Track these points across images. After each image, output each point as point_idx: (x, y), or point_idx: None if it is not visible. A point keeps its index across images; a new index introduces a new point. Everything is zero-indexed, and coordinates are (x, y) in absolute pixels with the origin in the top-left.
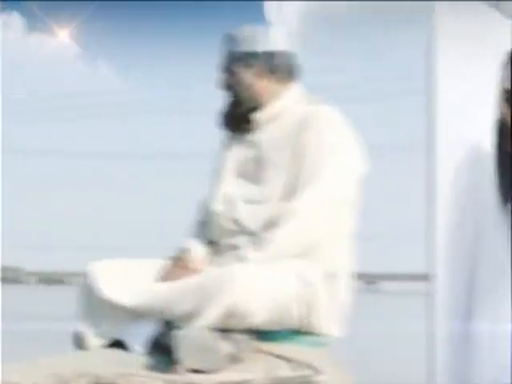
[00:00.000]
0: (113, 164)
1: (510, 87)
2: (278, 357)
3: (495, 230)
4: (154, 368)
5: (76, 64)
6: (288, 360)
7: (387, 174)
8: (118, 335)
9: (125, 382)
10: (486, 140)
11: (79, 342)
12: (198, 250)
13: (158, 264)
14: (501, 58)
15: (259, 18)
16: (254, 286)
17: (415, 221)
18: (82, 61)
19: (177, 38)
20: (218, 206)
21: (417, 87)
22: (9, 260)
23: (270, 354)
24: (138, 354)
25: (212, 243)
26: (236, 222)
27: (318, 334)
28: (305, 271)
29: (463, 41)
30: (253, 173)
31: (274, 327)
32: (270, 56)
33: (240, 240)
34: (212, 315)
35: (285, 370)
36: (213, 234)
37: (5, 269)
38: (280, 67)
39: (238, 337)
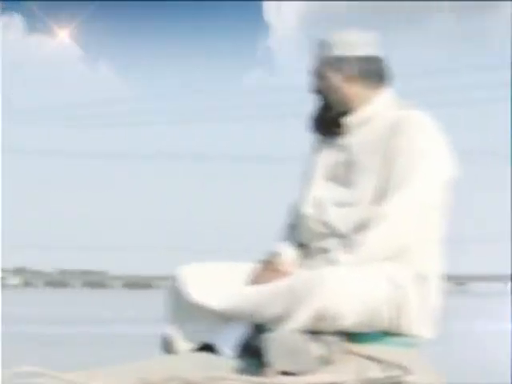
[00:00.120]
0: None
1: None
2: (369, 358)
3: None
4: (243, 371)
5: (76, 64)
6: (378, 361)
7: (476, 178)
8: (207, 339)
9: None
10: None
11: (167, 346)
12: (288, 253)
13: (247, 267)
14: None
15: (258, 18)
16: (344, 289)
17: (502, 224)
18: (82, 61)
19: (176, 38)
20: (308, 209)
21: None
22: (93, 264)
23: (361, 355)
24: (227, 358)
25: (302, 246)
26: (326, 224)
27: (407, 336)
28: (395, 274)
29: None
30: (343, 176)
31: (365, 329)
32: (360, 61)
33: (330, 243)
34: (302, 318)
35: (375, 371)
36: (303, 237)
37: (89, 273)
38: (371, 72)
39: (329, 339)
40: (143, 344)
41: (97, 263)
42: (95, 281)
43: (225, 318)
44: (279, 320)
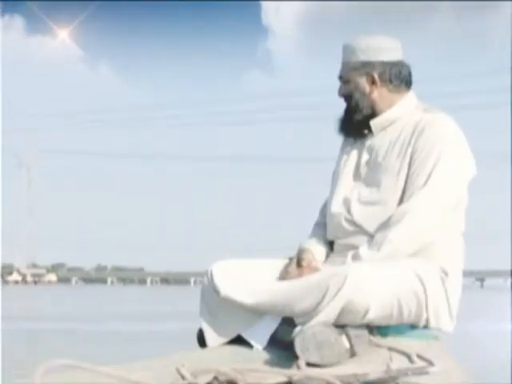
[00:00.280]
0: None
1: None
2: (393, 350)
3: None
4: (274, 363)
5: (76, 64)
6: (403, 353)
7: (495, 180)
8: (239, 332)
9: (246, 378)
10: None
11: (202, 340)
12: (317, 250)
13: (277, 263)
14: None
15: (257, 19)
16: (369, 284)
17: (502, 223)
18: (82, 61)
19: (176, 38)
20: (336, 208)
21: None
22: (130, 261)
23: (385, 347)
24: (258, 351)
25: (330, 243)
26: (353, 222)
27: (431, 328)
28: (419, 269)
29: None
30: (369, 176)
31: (389, 322)
32: (385, 65)
33: (357, 240)
34: (330, 312)
35: (400, 363)
36: (331, 234)
37: (125, 269)
38: (395, 76)
39: (355, 332)
40: (181, 338)
41: (133, 260)
42: (131, 277)
43: (256, 312)
44: (308, 314)
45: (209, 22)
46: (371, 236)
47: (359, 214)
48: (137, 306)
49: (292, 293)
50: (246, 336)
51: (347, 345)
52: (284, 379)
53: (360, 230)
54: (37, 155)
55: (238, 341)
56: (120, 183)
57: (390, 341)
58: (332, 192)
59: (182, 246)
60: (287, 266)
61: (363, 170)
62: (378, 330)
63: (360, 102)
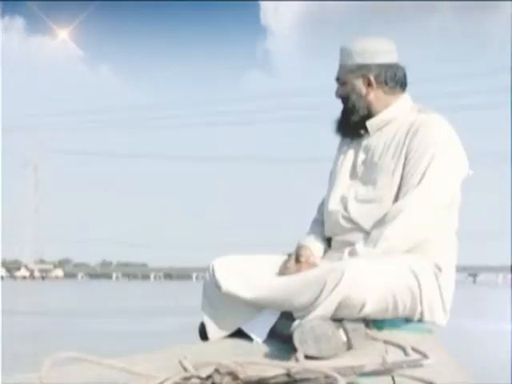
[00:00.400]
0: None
1: None
2: (389, 343)
3: None
4: (273, 356)
5: (76, 64)
6: (398, 346)
7: (495, 180)
8: (239, 326)
9: (246, 370)
10: None
11: (203, 333)
12: (315, 246)
13: (276, 259)
14: None
15: (256, 19)
16: (365, 279)
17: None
18: (82, 61)
19: (176, 38)
20: (334, 206)
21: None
22: (134, 257)
23: (381, 340)
24: (258, 344)
25: (328, 239)
26: (349, 220)
27: (425, 322)
28: (414, 264)
29: None
30: (365, 175)
31: (385, 316)
32: (381, 68)
33: (353, 236)
34: (328, 306)
35: (395, 355)
36: (328, 231)
37: (130, 265)
38: (391, 78)
39: (352, 325)
40: (183, 331)
41: (137, 256)
42: (135, 272)
43: (256, 306)
44: (307, 308)
45: (208, 22)
46: (367, 233)
47: (356, 211)
48: (140, 301)
49: (291, 288)
50: (246, 329)
51: (344, 338)
52: (283, 371)
53: (357, 227)
54: (43, 155)
55: (239, 334)
56: (121, 183)
57: (386, 334)
58: (329, 190)
59: (183, 243)
60: (286, 262)
61: (360, 169)
62: (373, 323)
63: (356, 104)
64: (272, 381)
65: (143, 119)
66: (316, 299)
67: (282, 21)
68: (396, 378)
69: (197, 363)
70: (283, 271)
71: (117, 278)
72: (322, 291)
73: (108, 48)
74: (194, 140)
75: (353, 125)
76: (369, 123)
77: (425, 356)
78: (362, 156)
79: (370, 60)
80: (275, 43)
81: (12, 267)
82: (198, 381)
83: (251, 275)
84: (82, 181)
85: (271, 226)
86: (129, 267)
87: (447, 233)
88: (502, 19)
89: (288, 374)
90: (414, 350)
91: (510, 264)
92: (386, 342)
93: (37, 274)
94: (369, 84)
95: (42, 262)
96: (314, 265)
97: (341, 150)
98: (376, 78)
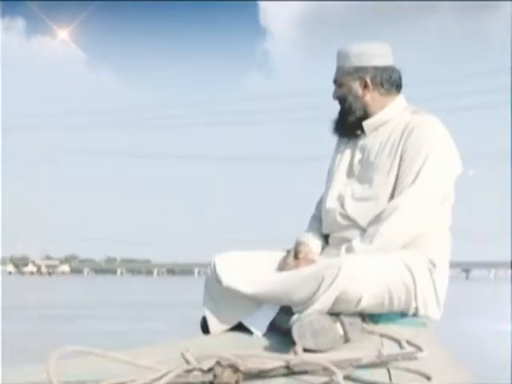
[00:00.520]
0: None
1: None
2: (384, 336)
3: None
4: (273, 349)
5: (76, 64)
6: (393, 339)
7: (495, 180)
8: (239, 320)
9: (247, 363)
10: None
11: (205, 327)
12: (313, 243)
13: (275, 255)
14: None
15: (255, 19)
16: (362, 274)
17: (504, 217)
18: (82, 61)
19: (176, 38)
20: (331, 203)
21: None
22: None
23: (377, 334)
24: (258, 337)
25: (326, 236)
26: (346, 217)
27: (419, 316)
28: (409, 260)
29: None
30: (361, 174)
31: (381, 310)
32: (377, 70)
33: (350, 233)
34: (326, 301)
35: (390, 348)
36: (326, 228)
37: (134, 261)
38: (386, 80)
39: (349, 319)
40: (185, 325)
41: (140, 252)
42: (139, 268)
43: (256, 301)
44: (305, 303)
45: (208, 22)
46: (364, 230)
47: (352, 209)
48: (144, 295)
49: (290, 283)
50: (246, 323)
51: (341, 332)
52: (282, 364)
53: (353, 224)
54: (48, 154)
55: (239, 328)
56: (122, 182)
57: (382, 328)
58: (327, 189)
59: (186, 240)
60: (285, 258)
61: (356, 168)
62: (370, 317)
63: (353, 105)
64: (271, 373)
65: (143, 119)
66: (314, 294)
67: (281, 21)
68: (391, 371)
69: (199, 356)
70: (282, 267)
71: (121, 273)
72: (319, 286)
73: (108, 48)
74: (194, 140)
75: (350, 125)
76: (365, 124)
77: (419, 349)
78: (358, 155)
79: (366, 62)
80: (274, 44)
81: (20, 263)
82: (199, 373)
83: (251, 271)
84: (82, 180)
85: (271, 224)
86: (133, 263)
87: (441, 229)
88: (502, 19)
89: (287, 367)
90: (408, 343)
91: (502, 260)
92: (381, 336)
93: (44, 269)
94: (365, 86)
95: (48, 258)
96: (312, 261)
97: (338, 150)
98: (372, 79)
